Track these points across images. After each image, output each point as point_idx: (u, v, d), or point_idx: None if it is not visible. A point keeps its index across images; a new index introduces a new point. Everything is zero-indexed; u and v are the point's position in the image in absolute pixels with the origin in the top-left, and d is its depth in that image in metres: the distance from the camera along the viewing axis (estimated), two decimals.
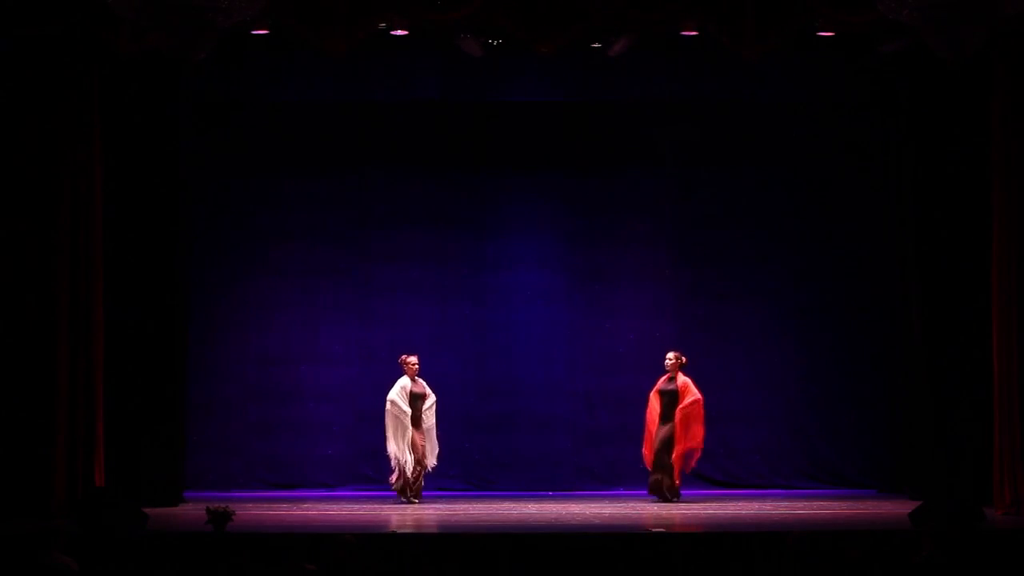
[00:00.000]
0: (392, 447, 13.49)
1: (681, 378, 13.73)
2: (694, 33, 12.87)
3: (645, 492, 13.90)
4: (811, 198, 15.08)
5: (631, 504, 13.51)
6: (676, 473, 13.59)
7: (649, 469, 13.74)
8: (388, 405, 13.56)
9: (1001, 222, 12.68)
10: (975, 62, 11.64)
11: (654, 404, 13.77)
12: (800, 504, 13.44)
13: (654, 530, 11.24)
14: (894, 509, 12.76)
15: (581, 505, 13.33)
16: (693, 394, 13.63)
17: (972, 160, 13.24)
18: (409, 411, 13.53)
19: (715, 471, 14.64)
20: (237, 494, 13.81)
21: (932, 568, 8.56)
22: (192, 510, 12.35)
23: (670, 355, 13.83)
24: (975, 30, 9.98)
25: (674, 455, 13.55)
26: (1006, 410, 12.59)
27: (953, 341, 13.49)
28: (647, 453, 13.74)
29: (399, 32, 12.93)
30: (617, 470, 14.80)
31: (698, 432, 13.59)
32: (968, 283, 13.33)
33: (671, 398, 13.69)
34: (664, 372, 13.85)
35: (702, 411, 13.63)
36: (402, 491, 13.49)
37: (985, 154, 12.92)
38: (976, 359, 13.10)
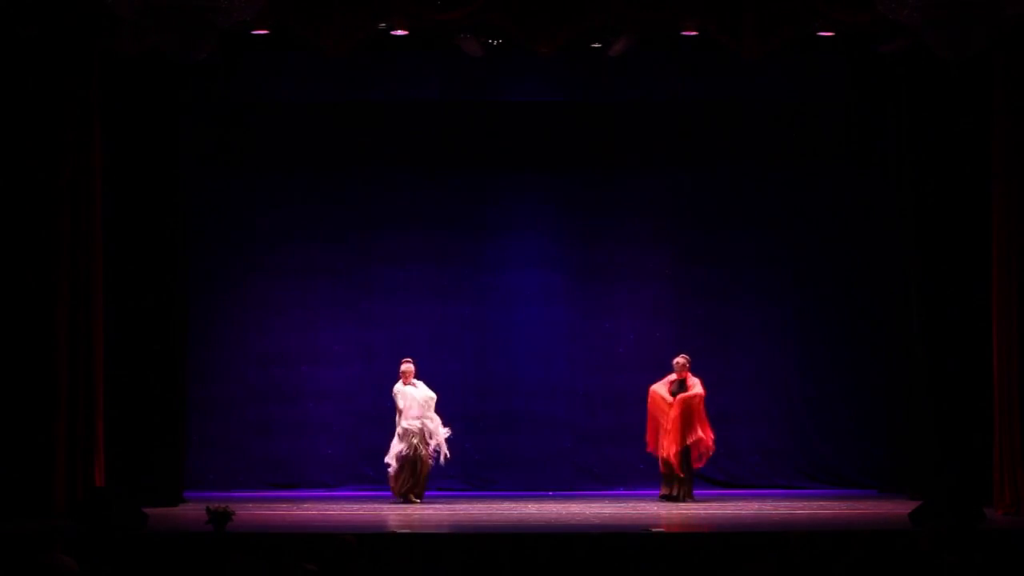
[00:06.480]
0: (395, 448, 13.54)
1: (691, 379, 13.72)
2: (694, 33, 12.87)
3: (645, 492, 13.91)
4: (811, 198, 15.06)
5: (631, 504, 13.51)
6: (677, 467, 13.53)
7: (657, 456, 13.73)
8: (411, 426, 13.46)
9: (1001, 222, 12.68)
10: (975, 62, 11.65)
11: (655, 398, 13.74)
12: (800, 504, 13.44)
13: (654, 530, 11.24)
14: (894, 509, 12.76)
15: (581, 505, 13.33)
16: (696, 388, 13.62)
17: (972, 160, 13.24)
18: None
19: (715, 471, 14.61)
20: (237, 494, 13.80)
21: (932, 568, 8.56)
22: (192, 510, 12.35)
23: (678, 359, 13.81)
24: (975, 30, 9.99)
25: (675, 450, 13.52)
26: (1006, 410, 12.59)
27: (953, 341, 13.48)
28: (652, 441, 13.75)
29: (399, 32, 12.93)
30: (617, 470, 14.80)
31: (700, 428, 13.56)
32: (968, 283, 13.33)
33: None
34: (669, 372, 13.85)
35: (703, 406, 13.62)
36: (402, 491, 13.48)
37: (985, 154, 12.92)
38: (976, 359, 13.10)
